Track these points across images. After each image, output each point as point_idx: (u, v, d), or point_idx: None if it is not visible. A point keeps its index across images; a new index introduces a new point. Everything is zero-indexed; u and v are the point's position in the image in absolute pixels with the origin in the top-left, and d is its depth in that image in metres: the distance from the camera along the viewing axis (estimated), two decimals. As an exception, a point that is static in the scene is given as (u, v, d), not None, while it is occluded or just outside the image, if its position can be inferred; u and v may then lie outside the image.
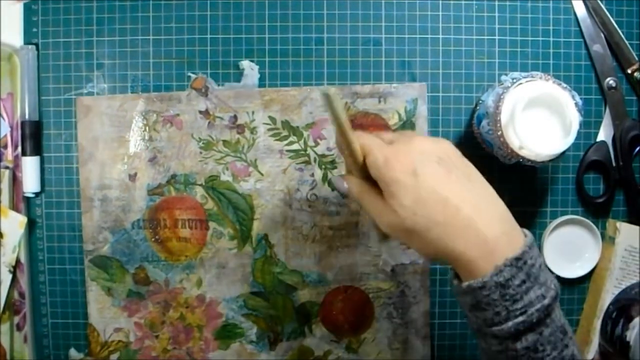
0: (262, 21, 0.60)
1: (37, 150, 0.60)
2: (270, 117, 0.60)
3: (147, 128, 0.60)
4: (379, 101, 0.60)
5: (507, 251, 0.40)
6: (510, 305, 0.39)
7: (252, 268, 0.61)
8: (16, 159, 0.60)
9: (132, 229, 0.60)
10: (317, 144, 0.60)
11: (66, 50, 0.60)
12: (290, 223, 0.60)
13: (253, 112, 0.60)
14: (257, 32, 0.60)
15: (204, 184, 0.60)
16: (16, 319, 0.61)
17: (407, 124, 0.60)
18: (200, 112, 0.60)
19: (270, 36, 0.60)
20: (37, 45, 0.60)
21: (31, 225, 0.61)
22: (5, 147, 0.60)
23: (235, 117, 0.60)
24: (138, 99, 0.60)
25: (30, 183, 0.60)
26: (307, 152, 0.60)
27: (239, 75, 0.60)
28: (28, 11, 0.60)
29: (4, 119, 0.60)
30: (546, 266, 0.44)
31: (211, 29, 0.60)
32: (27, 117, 0.59)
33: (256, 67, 0.60)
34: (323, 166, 0.60)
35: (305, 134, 0.60)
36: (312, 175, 0.60)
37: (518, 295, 0.39)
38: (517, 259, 0.40)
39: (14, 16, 0.60)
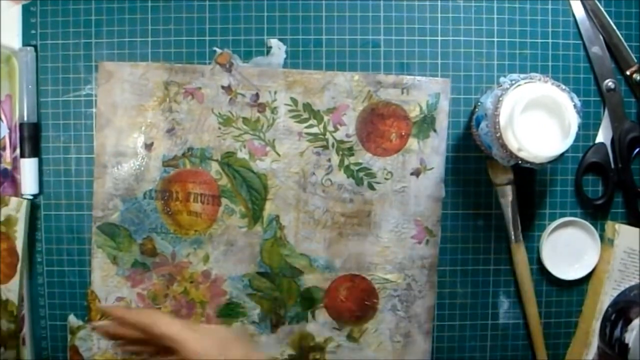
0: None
1: (35, 152, 0.60)
2: (292, 99, 0.60)
3: (167, 99, 0.60)
4: (402, 92, 0.60)
5: None
6: None
7: (260, 248, 0.61)
8: (15, 160, 0.60)
9: (144, 199, 0.60)
10: (336, 129, 0.60)
11: (65, 52, 0.60)
12: (303, 206, 0.60)
13: (275, 92, 0.60)
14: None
15: (219, 159, 0.60)
16: (14, 321, 0.61)
17: (428, 118, 0.60)
18: (223, 87, 0.60)
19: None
20: (35, 47, 0.60)
21: (30, 228, 0.61)
22: (4, 149, 0.60)
23: (257, 95, 0.60)
24: (161, 69, 0.60)
25: (29, 185, 0.60)
26: (326, 137, 0.60)
27: (262, 54, 0.60)
28: (27, 13, 0.60)
29: (2, 120, 0.60)
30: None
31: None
32: (25, 118, 0.59)
33: (284, 47, 0.60)
34: (341, 152, 0.60)
35: (325, 118, 0.60)
36: (329, 160, 0.60)
37: None
38: None
39: (13, 18, 0.60)
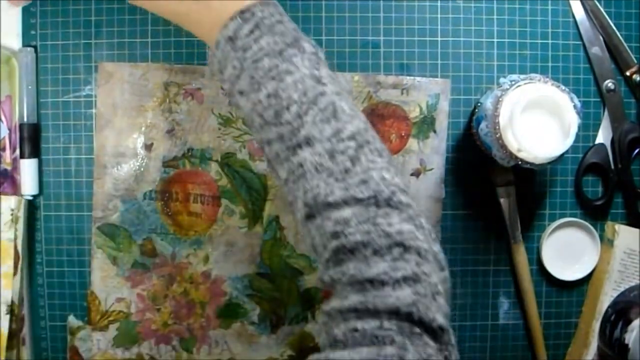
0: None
1: (35, 152, 0.60)
2: None
3: (167, 99, 0.60)
4: (402, 93, 0.60)
5: (235, 9, 0.42)
6: (242, 55, 0.41)
7: (260, 249, 0.61)
8: (14, 161, 0.60)
9: (144, 200, 0.60)
10: None
11: (64, 52, 0.60)
12: None
13: None
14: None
15: (219, 160, 0.60)
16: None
17: (428, 118, 0.60)
18: (223, 88, 0.60)
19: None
20: (35, 47, 0.60)
21: (30, 228, 0.61)
22: (4, 149, 0.60)
23: None
24: (161, 69, 0.60)
25: (29, 185, 0.59)
26: None
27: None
28: (27, 14, 0.60)
29: (2, 121, 0.60)
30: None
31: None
32: (25, 119, 0.59)
33: None
34: None
35: None
36: None
37: (247, 44, 0.41)
38: (242, 11, 0.42)
39: (13, 19, 0.60)
